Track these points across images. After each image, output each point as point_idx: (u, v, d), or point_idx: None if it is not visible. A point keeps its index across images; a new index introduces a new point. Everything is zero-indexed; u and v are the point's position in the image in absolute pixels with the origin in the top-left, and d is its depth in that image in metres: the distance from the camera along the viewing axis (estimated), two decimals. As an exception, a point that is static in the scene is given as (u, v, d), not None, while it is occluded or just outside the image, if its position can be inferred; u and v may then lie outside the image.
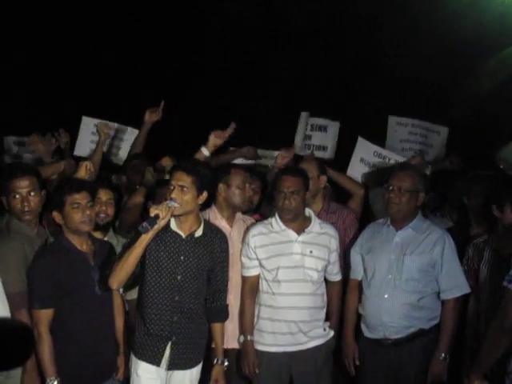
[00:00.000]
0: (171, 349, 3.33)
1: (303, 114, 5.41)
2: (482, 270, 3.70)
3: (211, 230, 3.45)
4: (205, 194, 3.33)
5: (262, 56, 7.77)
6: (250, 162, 4.91)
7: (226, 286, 3.52)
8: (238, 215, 3.88)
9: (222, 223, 3.75)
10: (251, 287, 3.69)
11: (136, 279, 3.33)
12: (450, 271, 3.60)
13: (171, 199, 3.22)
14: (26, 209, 3.39)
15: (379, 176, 4.60)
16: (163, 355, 3.32)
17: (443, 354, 3.55)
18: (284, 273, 3.61)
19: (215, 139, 4.19)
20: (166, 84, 7.68)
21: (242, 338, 3.69)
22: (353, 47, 7.47)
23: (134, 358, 3.36)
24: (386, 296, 3.61)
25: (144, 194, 4.16)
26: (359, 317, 3.79)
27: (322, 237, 3.69)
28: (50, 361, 3.13)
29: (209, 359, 3.53)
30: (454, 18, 6.20)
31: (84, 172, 3.76)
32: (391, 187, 3.67)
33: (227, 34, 7.83)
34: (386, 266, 3.64)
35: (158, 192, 4.00)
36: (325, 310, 3.76)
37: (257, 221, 3.91)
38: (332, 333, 3.76)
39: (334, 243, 3.73)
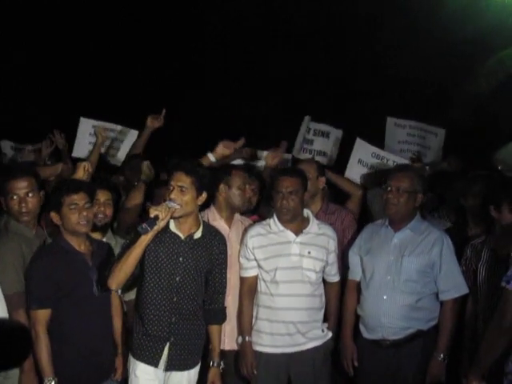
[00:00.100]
0: (169, 350, 3.32)
1: (306, 118, 5.42)
2: (480, 271, 3.68)
3: (210, 231, 3.44)
4: (204, 195, 3.32)
5: (261, 56, 7.78)
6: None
7: (225, 288, 3.51)
8: (237, 216, 3.87)
9: (220, 224, 3.74)
10: (249, 288, 3.68)
11: (135, 280, 3.32)
12: (449, 272, 3.60)
13: (170, 200, 3.21)
14: (24, 210, 3.37)
15: (377, 177, 4.60)
16: (161, 356, 3.31)
17: (442, 355, 3.55)
18: (282, 274, 3.60)
19: (224, 149, 4.13)
20: (165, 84, 7.70)
21: (240, 339, 3.69)
22: (353, 47, 7.48)
23: (132, 359, 3.36)
24: (384, 297, 3.61)
25: (143, 191, 4.09)
26: (357, 318, 3.78)
27: (321, 238, 3.68)
28: (48, 361, 3.13)
29: (206, 360, 3.52)
30: (453, 18, 6.20)
31: (82, 173, 3.74)
32: (389, 188, 3.66)
33: (227, 33, 7.84)
34: (384, 267, 3.63)
35: (156, 193, 3.98)
36: (323, 310, 3.75)
37: (255, 222, 3.90)
38: (330, 334, 3.76)
39: (333, 244, 3.72)
